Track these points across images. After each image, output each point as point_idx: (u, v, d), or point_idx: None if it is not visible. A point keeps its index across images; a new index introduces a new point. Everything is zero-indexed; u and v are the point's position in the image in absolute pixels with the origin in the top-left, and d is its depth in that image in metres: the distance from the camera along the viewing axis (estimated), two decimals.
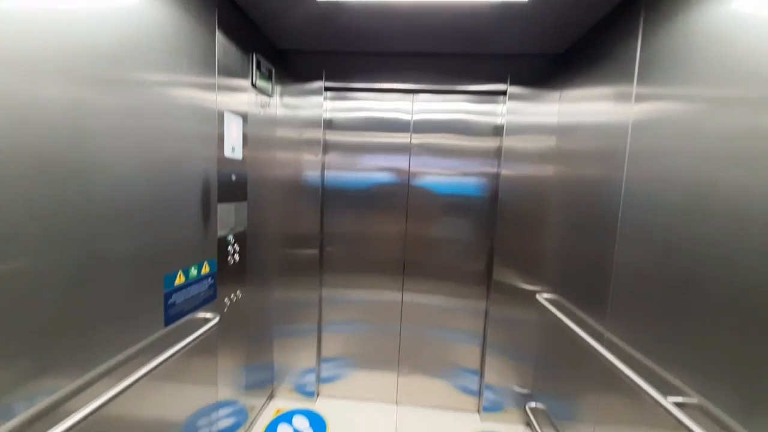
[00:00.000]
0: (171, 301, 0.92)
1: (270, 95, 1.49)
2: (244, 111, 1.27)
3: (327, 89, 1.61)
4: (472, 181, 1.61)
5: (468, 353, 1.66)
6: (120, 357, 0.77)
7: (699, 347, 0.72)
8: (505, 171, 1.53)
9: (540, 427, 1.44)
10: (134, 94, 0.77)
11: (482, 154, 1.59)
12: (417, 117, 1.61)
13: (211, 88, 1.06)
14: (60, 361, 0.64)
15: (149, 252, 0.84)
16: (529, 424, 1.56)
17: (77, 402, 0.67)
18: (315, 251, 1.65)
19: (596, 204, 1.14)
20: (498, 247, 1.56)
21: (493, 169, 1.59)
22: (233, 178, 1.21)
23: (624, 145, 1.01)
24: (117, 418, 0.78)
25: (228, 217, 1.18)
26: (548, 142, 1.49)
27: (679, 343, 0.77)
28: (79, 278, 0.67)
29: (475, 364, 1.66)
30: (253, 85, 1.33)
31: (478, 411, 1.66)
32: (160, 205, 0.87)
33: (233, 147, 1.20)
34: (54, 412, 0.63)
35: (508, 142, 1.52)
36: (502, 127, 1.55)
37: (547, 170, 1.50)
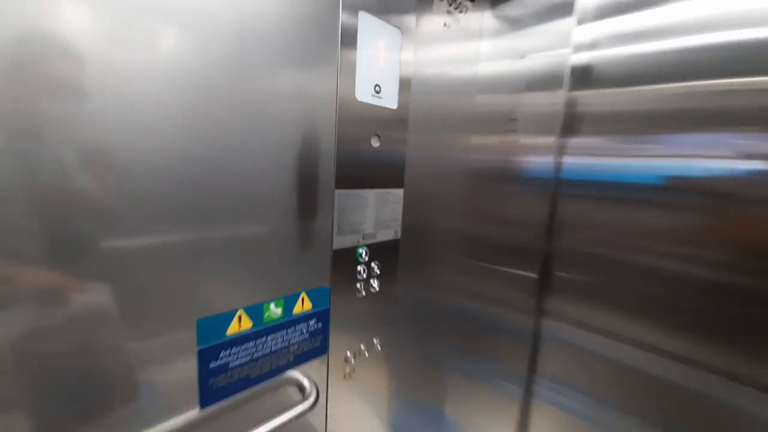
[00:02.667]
0: (215, 364, 0.50)
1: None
2: (407, 26, 0.68)
3: None
4: None
5: None
6: None
7: None
8: None
9: None
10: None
11: None
12: None
13: None
14: None
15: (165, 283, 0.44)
16: None
17: None
18: (530, 275, 0.87)
19: None
20: None
21: None
22: (376, 142, 0.66)
23: None
24: None
25: (358, 214, 0.66)
26: None
27: None
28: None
29: None
30: None
31: None
32: (198, 192, 0.45)
33: (377, 84, 0.64)
34: None
35: None
36: None
37: None
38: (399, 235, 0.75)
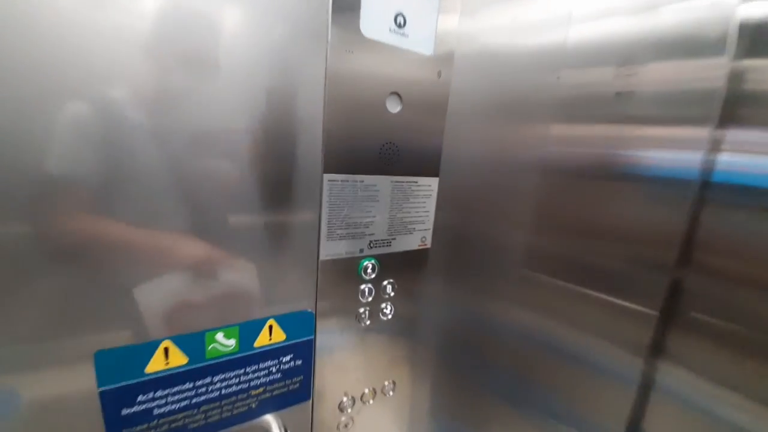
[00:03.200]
0: (129, 410, 0.36)
1: None
2: None
3: None
4: None
5: None
6: None
7: None
8: None
9: None
10: None
11: None
12: None
13: None
14: None
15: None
16: None
17: None
18: (648, 311, 0.58)
19: None
20: None
21: None
22: (395, 106, 0.44)
23: None
24: None
25: (361, 211, 0.45)
26: None
27: None
28: None
29: None
30: None
31: None
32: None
33: (399, 14, 0.41)
34: None
35: None
36: None
37: None
38: (428, 244, 0.53)
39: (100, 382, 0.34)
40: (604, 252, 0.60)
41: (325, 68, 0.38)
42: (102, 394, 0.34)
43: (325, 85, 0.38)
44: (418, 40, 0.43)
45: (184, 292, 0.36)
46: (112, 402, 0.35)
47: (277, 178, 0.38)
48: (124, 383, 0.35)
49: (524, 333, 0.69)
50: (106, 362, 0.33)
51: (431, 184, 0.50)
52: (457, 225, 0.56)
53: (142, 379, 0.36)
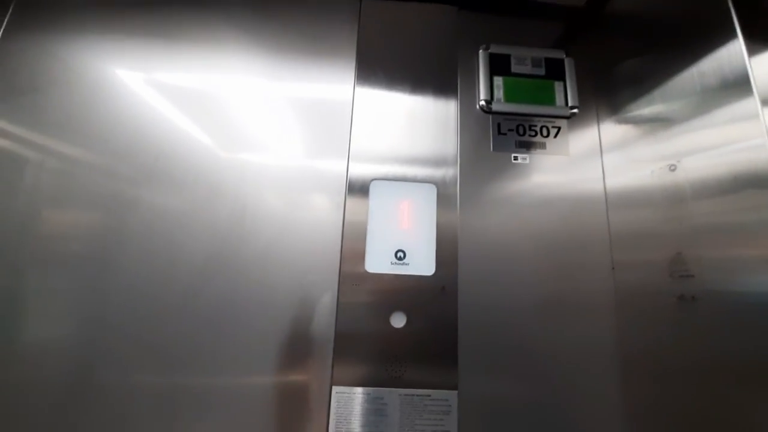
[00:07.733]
0: None
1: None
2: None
3: None
4: None
5: None
6: None
7: None
8: None
9: None
10: None
11: None
12: None
13: None
14: None
15: None
16: None
17: None
18: None
19: None
20: None
21: None
22: (399, 321, 0.50)
23: None
24: None
25: (369, 424, 0.46)
26: None
27: None
28: None
29: None
30: None
31: None
32: None
33: (400, 250, 0.52)
34: None
35: None
36: None
37: None
38: None
39: None
40: None
41: (336, 300, 0.51)
42: None
43: (336, 312, 0.50)
44: (419, 266, 0.52)
45: None
46: None
47: (293, 392, 0.48)
48: None
49: None
50: None
51: (448, 398, 0.48)
52: None
53: None
